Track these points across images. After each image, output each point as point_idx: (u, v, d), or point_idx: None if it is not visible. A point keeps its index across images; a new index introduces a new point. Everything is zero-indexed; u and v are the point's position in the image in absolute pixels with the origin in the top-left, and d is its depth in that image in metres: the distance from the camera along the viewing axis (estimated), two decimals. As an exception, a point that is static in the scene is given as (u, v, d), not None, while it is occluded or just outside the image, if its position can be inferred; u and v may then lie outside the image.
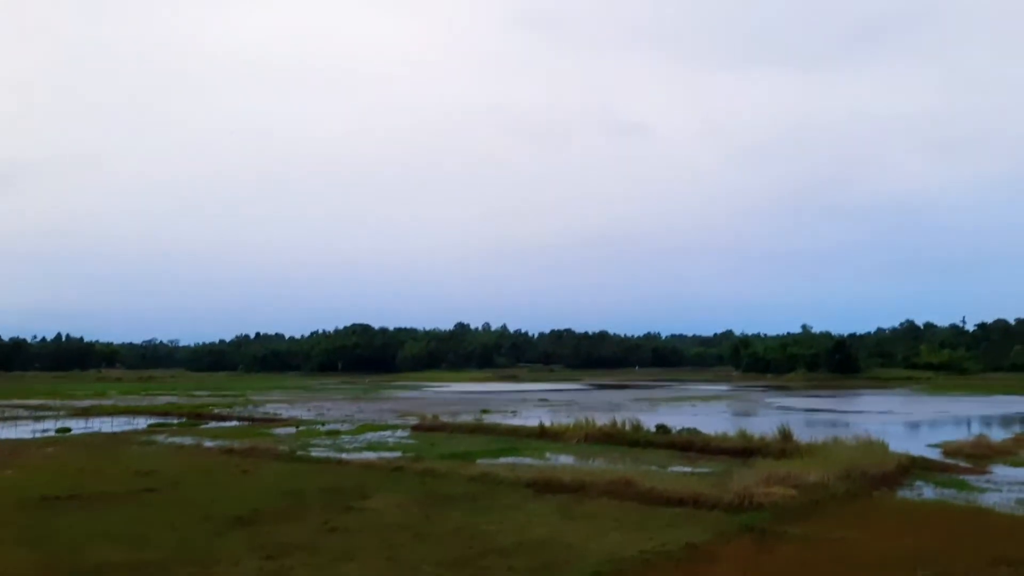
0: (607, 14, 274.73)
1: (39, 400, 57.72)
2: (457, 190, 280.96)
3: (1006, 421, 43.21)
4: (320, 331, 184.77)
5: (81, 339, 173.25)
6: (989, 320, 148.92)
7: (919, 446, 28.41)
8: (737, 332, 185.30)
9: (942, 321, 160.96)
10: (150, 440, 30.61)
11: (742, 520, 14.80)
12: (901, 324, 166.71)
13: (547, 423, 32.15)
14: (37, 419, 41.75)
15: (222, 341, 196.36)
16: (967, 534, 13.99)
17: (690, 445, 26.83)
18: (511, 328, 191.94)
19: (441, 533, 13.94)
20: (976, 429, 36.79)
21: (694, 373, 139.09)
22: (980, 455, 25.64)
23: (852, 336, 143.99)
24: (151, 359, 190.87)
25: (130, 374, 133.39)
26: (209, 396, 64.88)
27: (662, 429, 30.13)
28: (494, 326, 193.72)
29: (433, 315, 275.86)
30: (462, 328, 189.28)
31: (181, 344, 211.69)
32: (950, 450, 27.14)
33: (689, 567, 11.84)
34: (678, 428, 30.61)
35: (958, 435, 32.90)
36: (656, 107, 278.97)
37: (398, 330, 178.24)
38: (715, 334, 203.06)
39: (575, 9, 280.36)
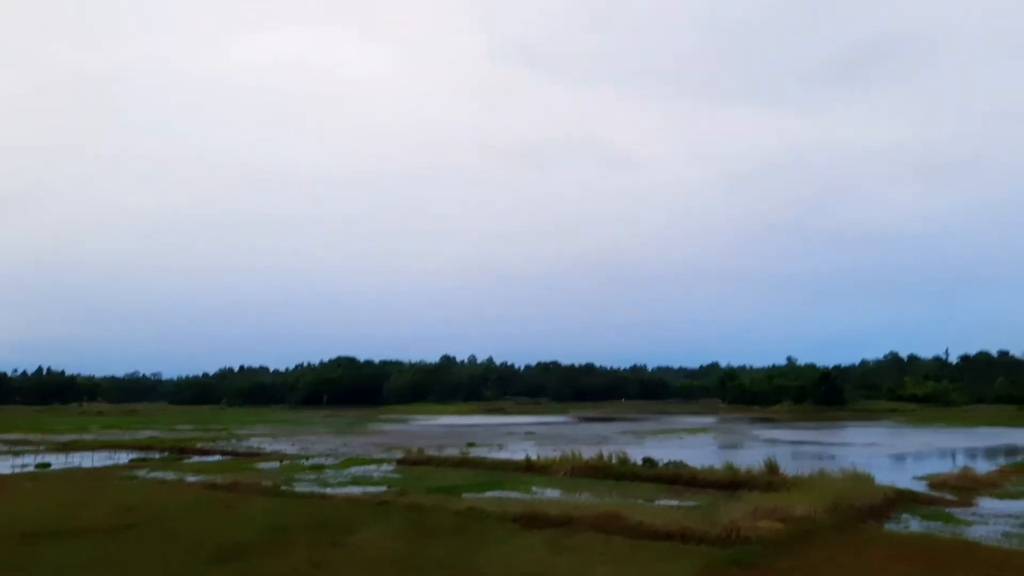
0: (596, 47, 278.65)
1: (19, 434, 56.91)
2: (445, 221, 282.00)
3: (990, 453, 43.35)
4: (305, 364, 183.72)
5: (63, 372, 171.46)
6: (972, 352, 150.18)
7: (905, 478, 28.45)
8: (723, 364, 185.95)
9: (926, 353, 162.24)
10: (132, 475, 30.21)
11: (730, 554, 14.74)
12: (885, 356, 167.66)
13: (533, 456, 31.98)
14: (16, 454, 41.12)
15: (206, 374, 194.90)
16: (954, 567, 13.99)
17: (677, 478, 26.75)
18: (497, 360, 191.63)
19: (427, 568, 13.81)
20: (961, 461, 36.88)
21: (681, 405, 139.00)
22: (966, 487, 25.70)
23: (837, 368, 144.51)
24: (134, 392, 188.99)
25: (112, 408, 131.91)
26: (192, 430, 64.19)
27: (649, 462, 30.04)
28: (480, 358, 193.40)
29: (419, 347, 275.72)
30: (448, 360, 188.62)
31: (164, 377, 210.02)
32: (936, 483, 27.19)
33: (677, 602, 11.76)
34: (665, 461, 30.52)
35: (943, 467, 32.98)
36: (644, 138, 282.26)
37: (384, 362, 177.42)
38: (701, 366, 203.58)
39: (563, 41, 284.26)
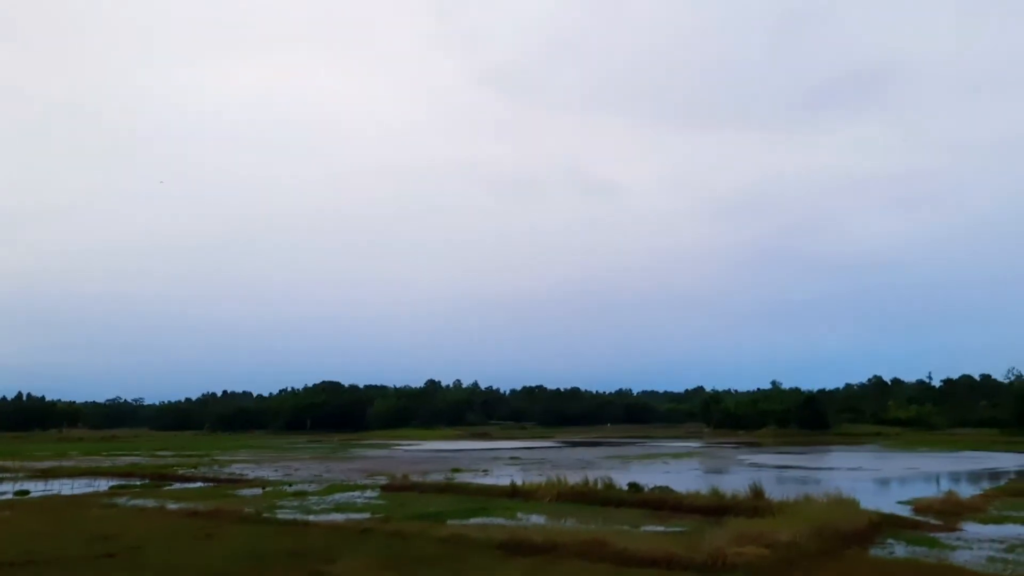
0: (576, 75, 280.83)
1: (-4, 461, 56.08)
2: (427, 246, 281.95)
3: (974, 477, 43.49)
4: (288, 389, 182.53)
5: (42, 398, 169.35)
6: (955, 376, 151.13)
7: (889, 503, 28.48)
8: (708, 388, 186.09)
9: (909, 377, 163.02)
10: (111, 503, 29.77)
11: (715, 581, 14.66)
12: (869, 380, 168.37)
13: (518, 482, 31.79)
14: (-7, 481, 40.50)
15: (187, 399, 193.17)
16: (939, 593, 13.95)
17: (662, 503, 26.67)
18: (482, 385, 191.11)
19: (410, 597, 13.63)
20: (945, 485, 36.97)
21: (666, 429, 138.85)
22: (950, 512, 25.73)
23: (821, 392, 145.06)
24: (115, 418, 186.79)
25: (92, 434, 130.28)
26: (173, 456, 63.47)
27: (634, 487, 29.93)
28: (465, 383, 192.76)
29: (403, 372, 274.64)
30: (432, 385, 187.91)
31: (146, 402, 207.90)
32: (920, 507, 27.22)
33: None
34: (650, 486, 30.44)
35: (928, 491, 33.04)
36: (626, 165, 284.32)
37: (368, 387, 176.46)
38: (686, 390, 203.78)
39: (544, 69, 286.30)
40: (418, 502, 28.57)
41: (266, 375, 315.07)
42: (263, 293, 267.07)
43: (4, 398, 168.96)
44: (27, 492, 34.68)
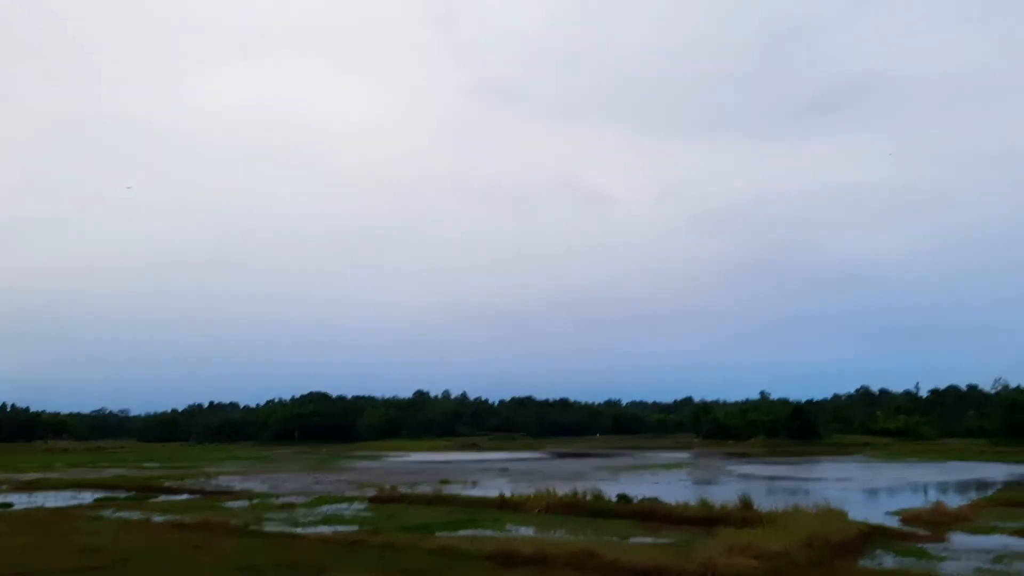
0: (569, 86, 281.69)
1: (-20, 473, 55.54)
2: (419, 256, 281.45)
3: (962, 487, 43.67)
4: (276, 399, 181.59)
5: (27, 409, 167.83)
6: (942, 386, 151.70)
7: (878, 513, 28.54)
8: (697, 398, 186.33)
9: (896, 387, 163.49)
10: (97, 515, 29.53)
11: (705, 592, 14.65)
12: (857, 390, 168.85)
13: (508, 493, 31.71)
14: (-23, 494, 40.10)
15: (174, 410, 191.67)
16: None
17: (652, 514, 26.64)
18: (471, 396, 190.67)
19: (399, 610, 13.56)
20: (933, 496, 37.11)
21: (655, 440, 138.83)
22: (938, 522, 25.81)
23: (810, 402, 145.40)
24: (100, 429, 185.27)
25: (78, 445, 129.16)
26: (160, 468, 63.02)
27: (623, 498, 29.88)
28: (454, 394, 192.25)
29: (392, 383, 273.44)
30: (421, 396, 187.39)
31: (132, 414, 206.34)
32: (908, 517, 27.29)
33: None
34: (639, 497, 30.39)
35: (916, 502, 33.15)
36: (618, 176, 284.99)
37: (356, 398, 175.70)
38: (675, 400, 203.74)
39: (537, 80, 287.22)
40: (407, 514, 28.46)
41: (253, 386, 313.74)
42: (250, 303, 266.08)
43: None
44: (11, 505, 34.36)
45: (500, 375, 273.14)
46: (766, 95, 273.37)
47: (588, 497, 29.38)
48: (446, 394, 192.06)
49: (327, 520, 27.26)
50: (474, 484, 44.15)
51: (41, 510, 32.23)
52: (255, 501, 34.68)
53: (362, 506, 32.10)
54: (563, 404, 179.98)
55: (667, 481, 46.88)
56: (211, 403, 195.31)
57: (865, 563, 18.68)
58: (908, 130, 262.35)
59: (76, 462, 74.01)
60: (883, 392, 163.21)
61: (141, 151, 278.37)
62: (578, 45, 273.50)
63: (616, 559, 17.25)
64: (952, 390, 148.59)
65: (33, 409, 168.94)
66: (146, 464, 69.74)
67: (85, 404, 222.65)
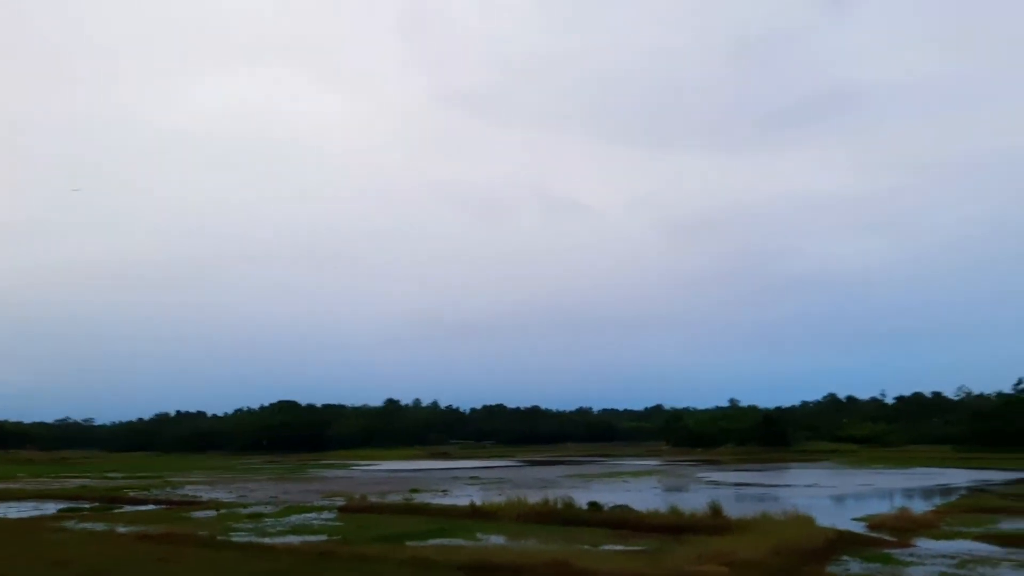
0: (541, 96, 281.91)
1: (-61, 485, 54.26)
2: (390, 265, 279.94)
3: (927, 493, 44.26)
4: (245, 409, 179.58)
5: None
6: (907, 393, 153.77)
7: (845, 520, 28.85)
8: (668, 406, 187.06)
9: (863, 394, 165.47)
10: (60, 526, 28.96)
11: (675, 600, 14.69)
12: (825, 397, 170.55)
13: (479, 502, 31.66)
14: (-64, 506, 39.17)
15: (141, 420, 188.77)
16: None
17: (623, 522, 26.72)
18: (443, 404, 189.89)
19: (368, 621, 13.44)
20: (899, 502, 37.56)
21: (626, 447, 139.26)
22: (903, 528, 26.13)
23: (779, 409, 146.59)
24: (65, 439, 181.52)
25: (42, 455, 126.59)
26: (124, 478, 62.05)
27: (595, 506, 29.94)
28: (426, 402, 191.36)
29: (363, 392, 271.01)
30: (393, 405, 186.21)
31: (97, 423, 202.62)
32: (874, 524, 27.63)
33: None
34: (610, 505, 30.48)
35: (882, 508, 33.55)
36: (591, 185, 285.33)
37: (326, 407, 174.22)
38: (647, 408, 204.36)
39: (509, 91, 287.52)
40: (377, 523, 28.27)
41: (221, 395, 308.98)
42: (219, 311, 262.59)
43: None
44: (-28, 517, 33.60)
45: (472, 383, 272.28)
46: (736, 105, 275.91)
47: (559, 505, 29.39)
48: (417, 403, 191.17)
49: (296, 530, 26.99)
50: (444, 493, 43.98)
51: (3, 522, 31.57)
52: (222, 511, 34.24)
53: (332, 516, 31.85)
54: (535, 412, 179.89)
55: (638, 489, 47.02)
56: (178, 412, 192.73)
57: (832, 569, 18.85)
58: (876, 141, 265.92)
59: (39, 472, 72.64)
60: (851, 399, 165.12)
61: (114, 158, 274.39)
62: (550, 54, 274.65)
63: (588, 567, 17.24)
64: (917, 397, 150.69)
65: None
66: (110, 474, 68.65)
67: (49, 413, 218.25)
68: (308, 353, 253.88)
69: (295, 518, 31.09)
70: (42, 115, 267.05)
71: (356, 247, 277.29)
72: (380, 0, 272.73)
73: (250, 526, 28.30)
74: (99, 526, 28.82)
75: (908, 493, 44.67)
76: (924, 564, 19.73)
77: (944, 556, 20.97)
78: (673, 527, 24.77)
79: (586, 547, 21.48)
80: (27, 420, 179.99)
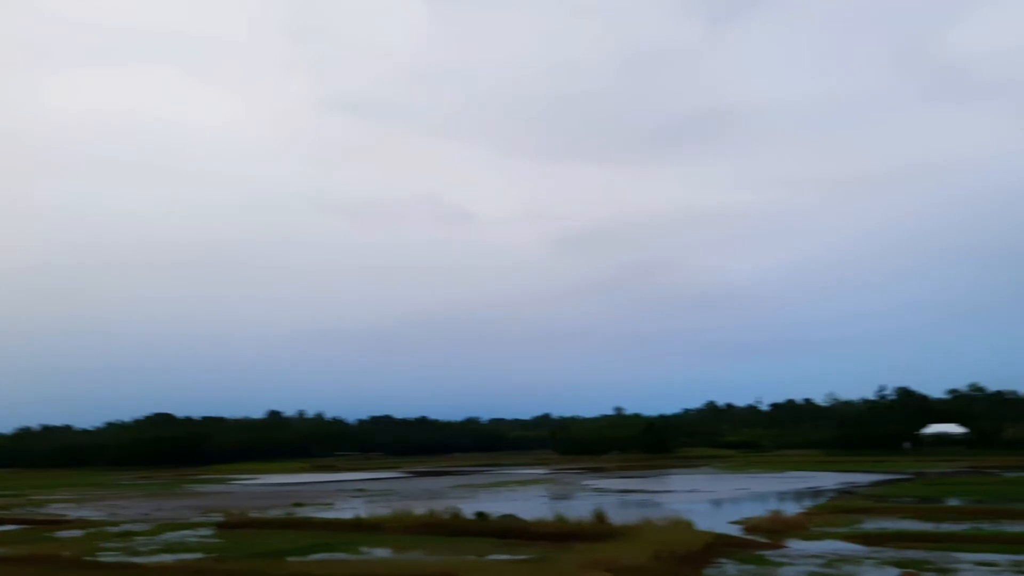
0: (432, 103, 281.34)
1: None
2: (274, 274, 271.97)
3: (798, 496, 46.31)
4: (116, 422, 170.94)
5: None
6: (781, 400, 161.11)
7: (722, 523, 29.85)
8: (556, 415, 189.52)
9: (741, 402, 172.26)
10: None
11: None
12: (705, 405, 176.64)
13: (364, 515, 31.15)
14: None
15: (1, 435, 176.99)
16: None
17: (509, 531, 26.78)
18: (328, 415, 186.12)
19: (245, 642, 12.94)
20: (772, 505, 39.15)
21: (514, 457, 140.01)
22: (776, 530, 27.24)
23: (662, 417, 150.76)
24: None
25: None
26: (-19, 498, 57.91)
27: (481, 516, 29.90)
28: (310, 414, 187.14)
29: (245, 403, 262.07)
30: (275, 416, 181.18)
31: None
32: (750, 526, 28.69)
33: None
34: (498, 514, 30.50)
35: (757, 511, 34.84)
36: (482, 195, 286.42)
37: (205, 419, 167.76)
38: (535, 417, 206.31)
39: (399, 97, 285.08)
40: (257, 539, 27.37)
41: (90, 407, 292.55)
42: (86, 321, 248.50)
43: None
44: None
45: (358, 394, 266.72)
46: (626, 119, 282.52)
47: (446, 516, 29.22)
48: (302, 414, 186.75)
49: (170, 548, 25.82)
50: (328, 506, 43.03)
51: None
52: (90, 530, 32.42)
53: (208, 532, 30.63)
54: (422, 422, 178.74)
55: (525, 497, 47.29)
56: (43, 426, 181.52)
57: (709, 572, 19.44)
58: (757, 157, 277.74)
59: None
60: (729, 407, 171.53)
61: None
62: (441, 64, 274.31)
63: (472, 578, 17.18)
64: (790, 404, 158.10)
65: None
66: (-35, 494, 63.92)
67: None
68: (186, 364, 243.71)
69: (169, 536, 29.75)
70: None
71: (238, 256, 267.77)
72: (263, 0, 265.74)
73: (120, 545, 26.89)
74: (-51, 550, 26.74)
75: (781, 496, 46.62)
76: (795, 564, 20.61)
77: (813, 556, 21.96)
78: (559, 535, 25.01)
79: (472, 558, 21.41)
80: None
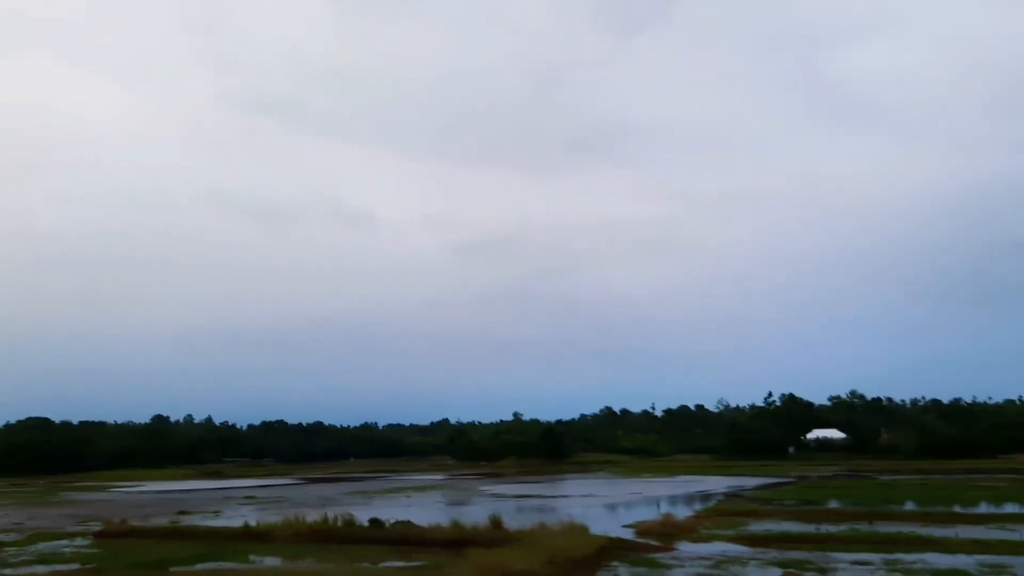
0: (336, 104, 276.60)
1: None
2: (164, 274, 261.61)
3: (689, 499, 47.56)
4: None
5: None
6: (674, 406, 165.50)
7: (616, 527, 30.32)
8: (454, 420, 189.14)
9: (636, 407, 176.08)
10: None
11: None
12: (601, 410, 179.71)
13: (253, 523, 30.20)
14: None
15: None
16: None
17: (404, 538, 26.49)
18: (218, 420, 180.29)
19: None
20: (664, 508, 40.07)
21: (411, 463, 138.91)
22: (668, 534, 27.87)
23: (559, 423, 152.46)
24: None
25: None
26: None
27: (376, 523, 29.46)
28: (198, 418, 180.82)
29: (127, 407, 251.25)
30: (161, 421, 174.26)
31: None
32: (642, 530, 29.24)
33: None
34: (392, 521, 30.11)
35: (649, 515, 35.59)
36: (386, 199, 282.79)
37: (84, 424, 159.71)
38: (432, 423, 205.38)
39: (305, 96, 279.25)
40: (138, 549, 26.18)
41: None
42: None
43: None
44: None
45: (251, 399, 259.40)
46: (532, 130, 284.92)
47: (339, 523, 28.65)
48: (189, 419, 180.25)
49: (44, 559, 24.42)
50: (216, 514, 41.58)
51: None
52: (-48, 543, 30.29)
53: (86, 542, 29.15)
54: (318, 428, 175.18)
55: (421, 504, 46.90)
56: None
57: (602, 575, 19.67)
58: (655, 170, 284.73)
59: None
60: (625, 412, 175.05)
61: None
62: (346, 65, 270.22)
63: (364, 586, 16.85)
64: (683, 410, 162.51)
65: None
66: None
67: None
68: (66, 365, 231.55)
69: (43, 546, 28.12)
70: None
71: (124, 253, 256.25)
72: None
73: (-14, 558, 25.23)
74: None
75: (673, 500, 47.77)
76: (684, 566, 21.09)
77: (702, 558, 22.55)
78: (455, 541, 24.85)
79: (366, 565, 21.05)
80: None
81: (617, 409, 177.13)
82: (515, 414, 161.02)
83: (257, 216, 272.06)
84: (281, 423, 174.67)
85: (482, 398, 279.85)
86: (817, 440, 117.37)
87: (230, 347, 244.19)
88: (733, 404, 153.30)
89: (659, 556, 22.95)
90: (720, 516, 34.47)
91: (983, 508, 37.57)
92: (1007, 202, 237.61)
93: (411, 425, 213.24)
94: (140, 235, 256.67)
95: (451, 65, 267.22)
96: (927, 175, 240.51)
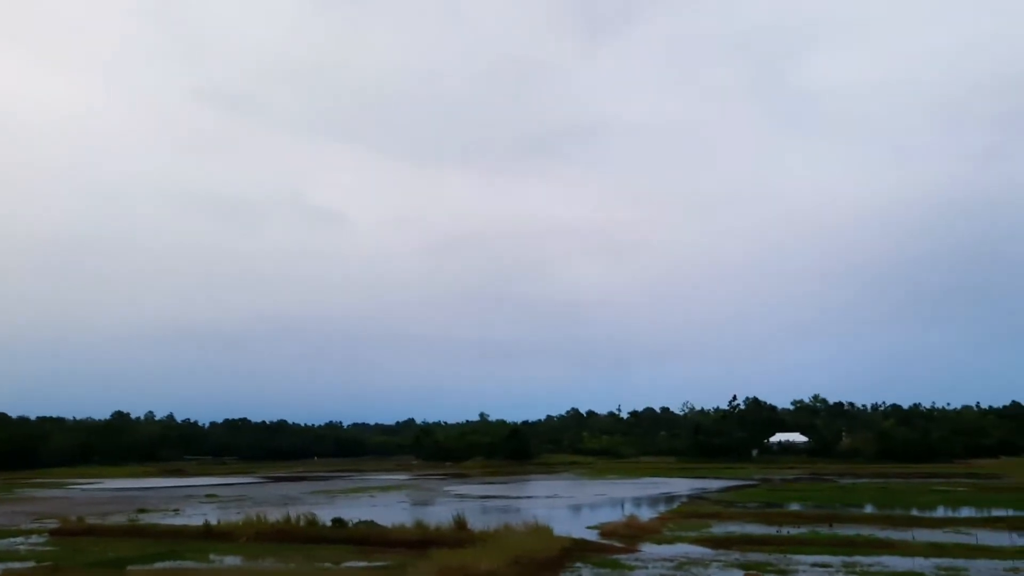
0: (302, 100, 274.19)
1: None
2: (124, 271, 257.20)
3: (653, 501, 47.83)
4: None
5: None
6: (640, 408, 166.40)
7: (580, 528, 30.38)
8: (419, 420, 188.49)
9: (602, 409, 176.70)
10: None
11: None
12: (567, 412, 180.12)
13: (214, 521, 29.80)
14: None
15: None
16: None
17: (367, 538, 26.30)
18: (179, 417, 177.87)
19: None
20: (628, 510, 40.25)
21: (376, 462, 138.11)
22: (631, 535, 27.98)
23: (525, 423, 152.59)
24: None
25: None
26: None
27: (338, 523, 29.21)
28: (159, 415, 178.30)
29: (86, 403, 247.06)
30: (121, 417, 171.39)
31: None
32: (606, 531, 29.34)
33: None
34: (355, 521, 29.89)
35: (613, 516, 35.72)
36: (351, 196, 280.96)
37: (41, 419, 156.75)
38: (398, 422, 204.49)
39: (268, 92, 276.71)
40: (95, 548, 25.71)
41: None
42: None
43: None
44: None
45: (213, 397, 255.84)
46: (500, 130, 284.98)
47: (301, 523, 28.37)
48: (150, 416, 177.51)
49: (-5, 558, 23.84)
50: (176, 513, 40.98)
51: None
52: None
53: (41, 540, 28.58)
54: (281, 426, 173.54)
55: (385, 504, 46.64)
56: None
57: (566, 576, 19.69)
58: (622, 172, 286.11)
59: None
60: (591, 414, 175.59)
61: None
62: (313, 62, 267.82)
63: (326, 586, 16.69)
64: (648, 412, 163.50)
65: None
66: None
67: None
68: (22, 360, 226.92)
69: (-5, 545, 27.50)
70: None
71: (86, 251, 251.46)
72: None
73: (-65, 556, 24.59)
74: None
75: (637, 501, 48.01)
76: (647, 568, 21.17)
77: (665, 559, 22.66)
78: (418, 541, 24.72)
79: (327, 565, 20.87)
80: None
81: (583, 411, 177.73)
82: (481, 414, 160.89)
83: (223, 214, 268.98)
84: (244, 421, 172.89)
85: (448, 398, 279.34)
86: (780, 443, 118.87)
87: (193, 345, 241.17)
88: (698, 407, 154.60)
89: (622, 557, 23.02)
90: (683, 518, 34.71)
91: (940, 512, 38.25)
92: (969, 211, 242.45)
93: (376, 425, 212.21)
94: (102, 231, 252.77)
95: (419, 64, 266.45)
96: (886, 181, 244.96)
